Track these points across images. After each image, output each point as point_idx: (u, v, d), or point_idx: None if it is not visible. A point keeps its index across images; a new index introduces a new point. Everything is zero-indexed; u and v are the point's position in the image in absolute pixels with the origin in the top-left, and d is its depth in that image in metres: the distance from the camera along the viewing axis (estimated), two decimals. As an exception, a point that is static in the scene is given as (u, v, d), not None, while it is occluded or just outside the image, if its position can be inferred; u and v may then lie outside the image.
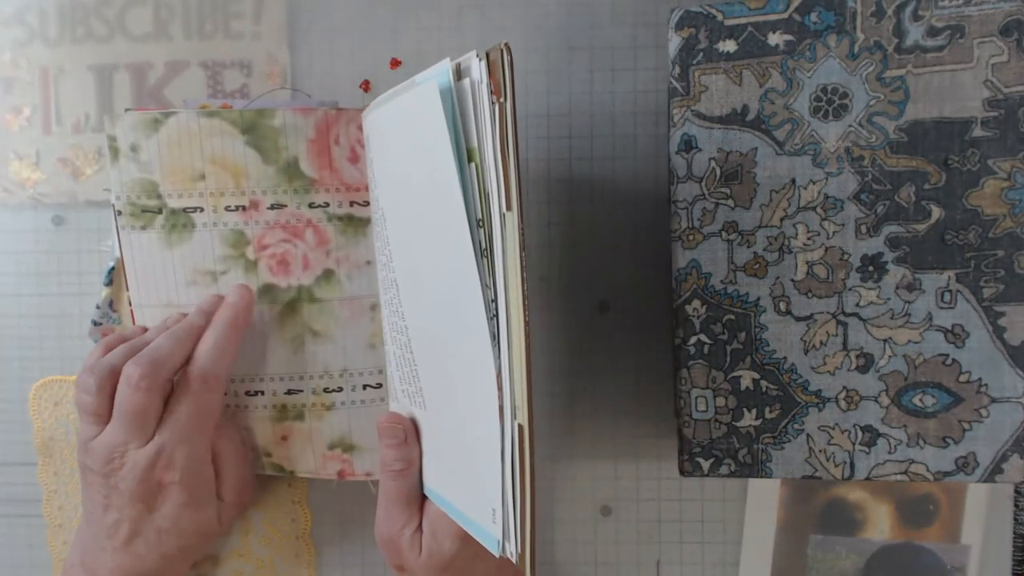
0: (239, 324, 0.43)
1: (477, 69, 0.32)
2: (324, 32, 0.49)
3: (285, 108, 0.44)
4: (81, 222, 0.50)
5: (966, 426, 0.41)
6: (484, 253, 0.33)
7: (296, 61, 0.49)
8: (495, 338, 0.33)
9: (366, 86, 0.49)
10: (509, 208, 0.32)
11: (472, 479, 0.37)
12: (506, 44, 0.31)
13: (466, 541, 0.40)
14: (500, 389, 0.34)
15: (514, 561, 0.34)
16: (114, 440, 0.41)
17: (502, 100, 0.31)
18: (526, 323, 0.32)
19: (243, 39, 0.49)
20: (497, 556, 0.35)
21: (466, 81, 0.33)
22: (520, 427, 0.33)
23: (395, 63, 0.49)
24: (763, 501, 0.49)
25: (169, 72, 0.49)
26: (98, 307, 0.48)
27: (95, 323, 0.48)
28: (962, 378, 0.41)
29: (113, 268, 0.47)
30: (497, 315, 0.33)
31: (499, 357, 0.33)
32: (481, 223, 0.34)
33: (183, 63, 0.49)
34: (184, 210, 0.44)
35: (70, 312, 0.50)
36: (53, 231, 0.50)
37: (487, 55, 0.32)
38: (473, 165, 0.33)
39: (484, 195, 0.33)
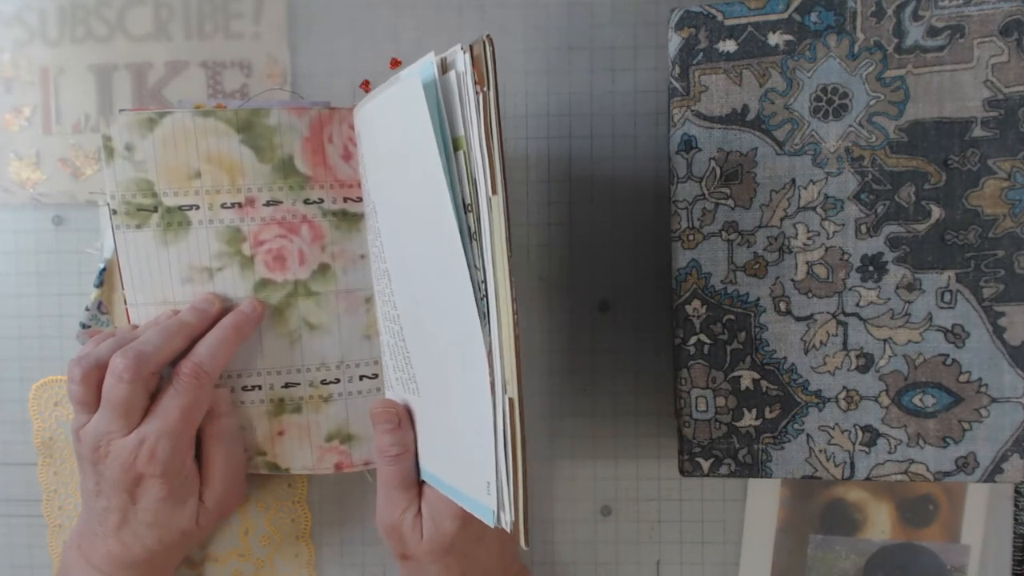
0: (243, 332, 0.44)
1: (462, 62, 0.33)
2: (324, 32, 0.49)
3: (280, 107, 0.44)
4: (81, 222, 0.50)
5: (966, 426, 0.41)
6: (473, 236, 0.35)
7: (296, 61, 0.49)
8: (485, 317, 0.34)
9: (366, 86, 0.49)
10: (495, 192, 0.33)
11: (466, 456, 0.38)
12: (488, 36, 0.32)
13: (466, 520, 0.41)
14: (491, 366, 0.35)
15: (508, 530, 0.35)
16: (99, 429, 0.42)
17: (486, 90, 0.33)
18: (514, 300, 0.33)
19: (243, 39, 0.49)
20: (492, 527, 0.36)
21: (451, 74, 0.34)
22: (511, 400, 0.34)
23: (395, 63, 0.49)
24: (763, 501, 0.49)
25: (169, 72, 0.49)
26: (87, 309, 0.48)
27: (83, 325, 0.48)
28: (962, 378, 0.41)
29: (104, 270, 0.47)
30: (487, 295, 0.34)
31: (489, 335, 0.34)
32: (469, 208, 0.35)
33: (183, 63, 0.49)
34: (180, 208, 0.44)
35: (70, 312, 0.50)
36: (53, 231, 0.50)
37: (471, 48, 0.33)
38: (460, 153, 0.35)
39: (472, 181, 0.34)
